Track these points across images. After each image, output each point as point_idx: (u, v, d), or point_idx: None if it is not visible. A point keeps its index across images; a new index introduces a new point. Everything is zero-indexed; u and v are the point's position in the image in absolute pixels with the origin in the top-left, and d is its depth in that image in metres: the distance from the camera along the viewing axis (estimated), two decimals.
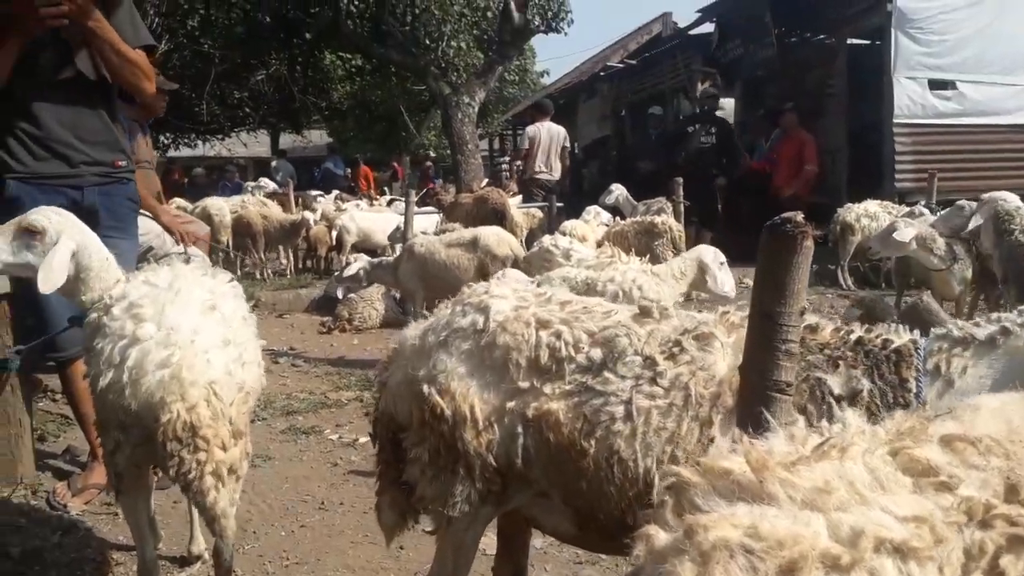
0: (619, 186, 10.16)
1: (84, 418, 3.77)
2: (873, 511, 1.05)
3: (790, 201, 11.64)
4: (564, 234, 7.22)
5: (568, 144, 12.07)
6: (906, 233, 5.31)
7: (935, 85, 11.14)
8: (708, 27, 15.20)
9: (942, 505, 1.09)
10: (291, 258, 11.52)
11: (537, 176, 11.98)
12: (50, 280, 2.49)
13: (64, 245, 2.54)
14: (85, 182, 3.57)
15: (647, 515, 1.09)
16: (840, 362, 2.00)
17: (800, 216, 1.56)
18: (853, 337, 2.09)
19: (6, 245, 2.53)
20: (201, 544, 3.28)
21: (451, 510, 2.15)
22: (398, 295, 8.54)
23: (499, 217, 10.28)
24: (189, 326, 2.38)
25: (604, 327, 2.14)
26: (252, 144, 25.72)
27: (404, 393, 2.22)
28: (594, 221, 8.88)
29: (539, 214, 12.03)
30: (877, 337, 2.04)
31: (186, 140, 23.00)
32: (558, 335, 2.12)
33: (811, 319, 2.23)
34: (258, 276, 10.95)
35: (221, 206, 10.58)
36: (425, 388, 2.15)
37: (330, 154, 20.92)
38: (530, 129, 11.78)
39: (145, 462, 2.39)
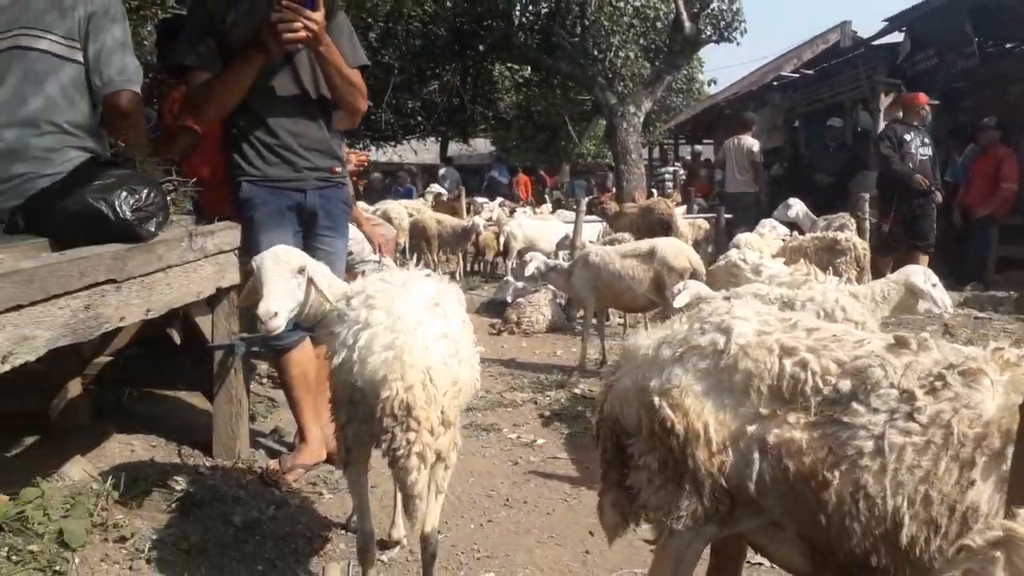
0: (798, 200, 9.77)
1: (295, 402, 4.08)
2: None
3: (985, 221, 10.80)
4: (738, 247, 7.04)
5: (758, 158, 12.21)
6: None
7: None
8: (892, 37, 14.34)
9: None
10: (460, 262, 11.89)
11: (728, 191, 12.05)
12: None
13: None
14: (307, 185, 3.90)
15: (970, 571, 1.05)
16: None
17: None
18: None
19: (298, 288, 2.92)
20: (402, 530, 3.45)
21: (675, 523, 2.14)
22: (564, 301, 8.63)
23: (665, 227, 10.16)
24: (414, 316, 2.61)
25: (855, 356, 2.04)
26: (421, 151, 26.85)
27: (633, 400, 2.24)
28: (770, 235, 8.57)
29: (705, 225, 11.81)
30: None
31: (362, 146, 24.33)
32: (804, 364, 2.04)
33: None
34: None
35: (400, 210, 11.11)
36: (656, 400, 2.15)
37: (495, 162, 21.47)
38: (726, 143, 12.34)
39: (370, 439, 2.57)
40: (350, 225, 4.85)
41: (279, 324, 2.84)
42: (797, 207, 9.58)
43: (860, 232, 8.64)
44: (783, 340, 2.12)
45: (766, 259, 5.17)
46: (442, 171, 20.10)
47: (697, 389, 2.14)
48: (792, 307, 3.80)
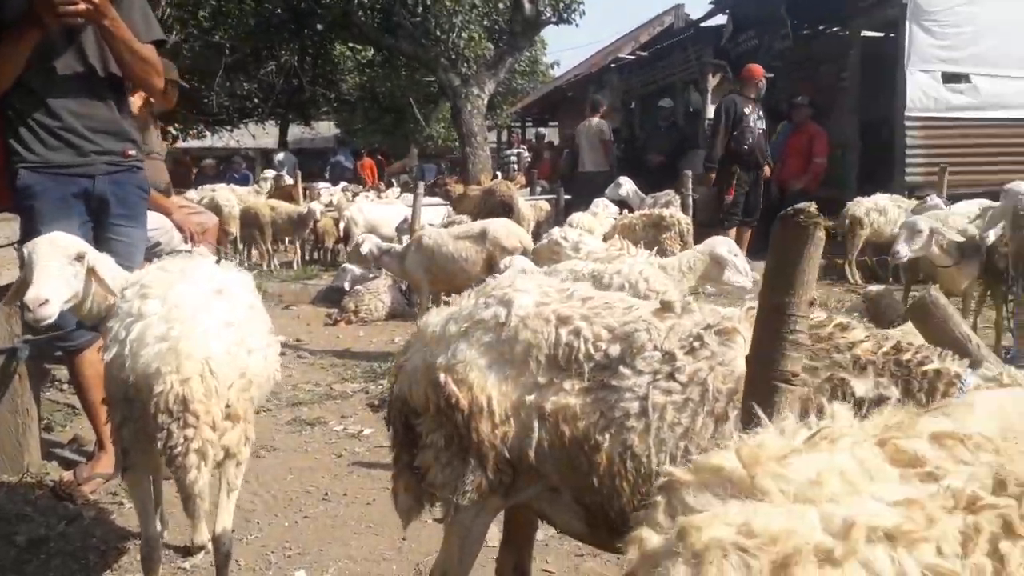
0: (627, 179, 10.11)
1: (91, 407, 3.76)
2: (864, 500, 1.03)
3: (798, 195, 11.58)
4: (572, 226, 7.18)
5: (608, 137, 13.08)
6: (921, 224, 5.31)
7: (948, 79, 11.01)
8: (721, 19, 15.08)
9: (929, 493, 1.06)
10: (298, 250, 11.50)
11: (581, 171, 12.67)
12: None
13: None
14: (96, 171, 3.59)
15: (639, 517, 1.07)
16: (869, 366, 1.95)
17: (813, 207, 1.52)
18: (888, 344, 2.04)
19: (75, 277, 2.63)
20: (204, 535, 3.25)
21: (460, 498, 2.12)
22: (404, 286, 8.51)
23: (507, 209, 10.25)
24: (191, 304, 2.44)
25: (625, 322, 2.11)
26: (260, 135, 25.73)
27: (420, 379, 2.19)
28: (602, 214, 8.82)
29: (546, 206, 12.00)
30: (917, 353, 1.99)
31: (195, 131, 23.03)
32: (577, 332, 2.10)
33: (845, 320, 2.18)
34: (265, 268, 10.94)
35: (230, 197, 10.58)
36: (442, 376, 2.13)
37: (339, 146, 20.89)
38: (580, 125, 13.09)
39: (148, 439, 2.38)
40: (156, 214, 4.54)
41: (50, 313, 2.56)
42: (627, 186, 9.91)
43: (684, 208, 9.05)
44: (559, 310, 2.14)
45: (585, 237, 5.28)
46: (279, 156, 19.34)
47: (481, 363, 2.13)
48: (601, 281, 3.89)
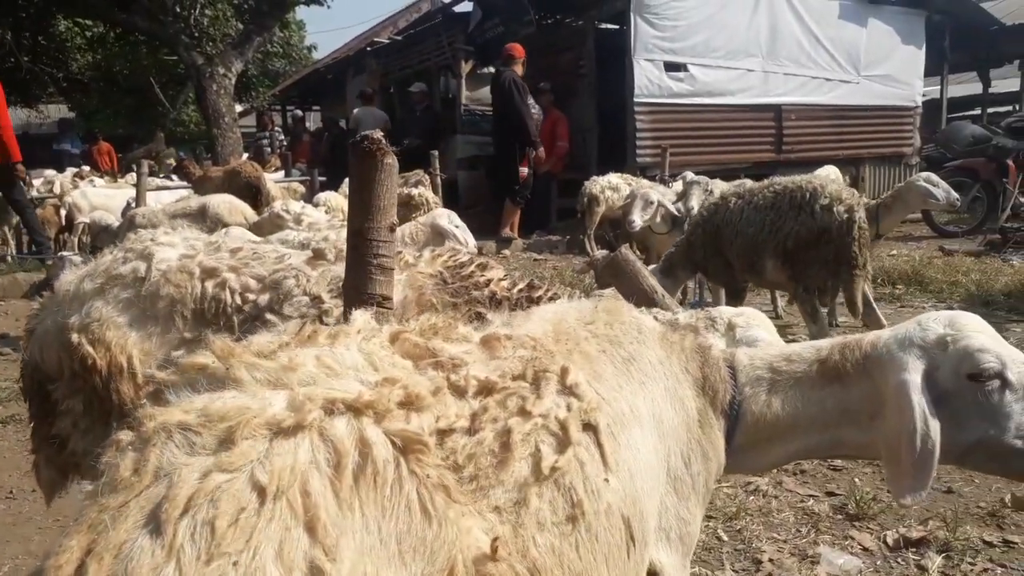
0: None
1: None
2: (344, 381, 1.10)
3: (545, 176, 12.21)
4: (318, 205, 7.06)
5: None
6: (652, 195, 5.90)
7: (670, 67, 12.11)
8: (467, 6, 15.45)
9: (431, 376, 1.18)
10: (10, 240, 10.29)
11: None
12: None
13: None
14: None
15: (125, 422, 1.08)
16: (504, 302, 2.11)
17: (379, 134, 1.62)
18: (523, 283, 2.23)
19: None
20: None
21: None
22: None
23: (253, 191, 9.84)
24: None
25: (274, 271, 2.12)
26: None
27: (52, 342, 2.06)
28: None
29: (301, 188, 11.69)
30: (548, 291, 2.19)
31: None
32: (224, 284, 2.07)
33: (485, 260, 2.36)
34: None
35: None
36: (75, 337, 2.01)
37: (62, 132, 18.75)
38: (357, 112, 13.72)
39: None
40: None
41: None
42: None
43: (433, 188, 9.23)
44: (205, 262, 2.10)
45: (308, 209, 5.22)
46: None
47: (120, 321, 2.04)
48: (309, 247, 3.86)
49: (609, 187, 9.91)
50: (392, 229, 1.69)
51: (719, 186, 7.10)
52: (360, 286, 1.64)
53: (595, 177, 10.03)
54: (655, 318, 1.79)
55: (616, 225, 9.96)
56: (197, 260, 2.09)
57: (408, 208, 8.28)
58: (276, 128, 18.36)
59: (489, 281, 2.18)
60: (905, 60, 14.22)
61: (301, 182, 11.79)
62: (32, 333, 2.13)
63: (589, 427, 1.28)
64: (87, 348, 1.99)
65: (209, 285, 2.06)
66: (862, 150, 14.00)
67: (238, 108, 17.28)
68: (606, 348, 1.52)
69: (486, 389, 1.22)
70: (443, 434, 1.13)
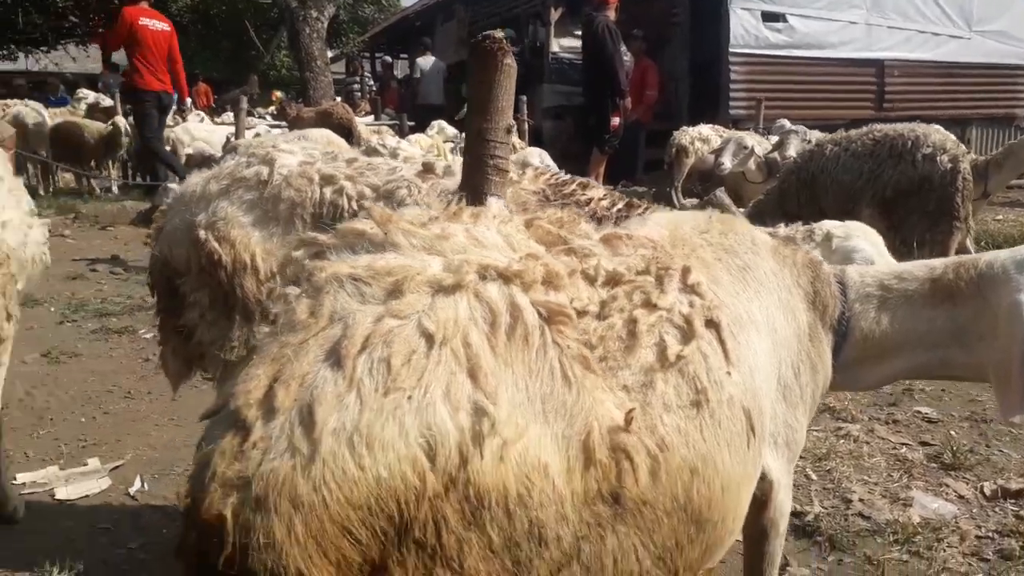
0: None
1: None
2: (489, 252, 1.17)
3: (632, 126, 12.02)
4: (409, 143, 7.21)
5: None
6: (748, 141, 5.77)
7: (768, 17, 11.69)
8: None
9: (566, 260, 1.23)
10: (116, 171, 10.79)
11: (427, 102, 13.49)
12: None
13: None
14: None
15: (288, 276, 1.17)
16: (604, 219, 2.14)
17: (500, 33, 1.64)
18: (622, 203, 2.25)
19: None
20: None
21: (228, 354, 2.16)
22: None
23: (345, 132, 10.05)
24: None
25: (387, 181, 2.20)
26: (83, 60, 23.59)
27: (180, 238, 2.19)
28: (439, 136, 8.86)
29: (390, 132, 11.85)
30: (646, 211, 2.21)
31: (4, 52, 20.85)
32: (341, 191, 2.16)
33: (586, 180, 2.39)
34: (83, 189, 10.24)
35: (34, 113, 9.74)
36: (202, 234, 2.14)
37: None
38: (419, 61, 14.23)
39: None
40: None
41: None
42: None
43: (520, 134, 9.24)
44: (323, 169, 2.19)
45: (404, 144, 5.36)
46: (106, 79, 17.85)
47: (244, 220, 2.15)
48: None
49: (699, 138, 9.71)
50: (509, 131, 1.73)
51: (818, 136, 6.88)
52: (477, 187, 1.69)
53: (685, 127, 9.84)
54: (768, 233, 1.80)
55: (705, 178, 9.77)
56: (316, 167, 2.19)
57: None
58: (366, 74, 18.56)
59: (590, 200, 2.21)
60: (1022, 15, 13.34)
61: (390, 126, 11.94)
62: (161, 231, 2.27)
63: (711, 323, 1.31)
64: (213, 244, 2.12)
65: (327, 191, 2.15)
66: (969, 110, 13.28)
67: (329, 54, 17.50)
68: (721, 256, 1.54)
69: (613, 280, 1.27)
70: (577, 314, 1.19)
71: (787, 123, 9.16)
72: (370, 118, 13.63)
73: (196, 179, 2.27)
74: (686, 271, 1.36)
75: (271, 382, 0.97)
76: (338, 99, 13.99)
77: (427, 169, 2.24)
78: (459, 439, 0.96)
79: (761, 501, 1.57)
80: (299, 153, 2.24)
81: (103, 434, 3.36)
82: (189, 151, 9.00)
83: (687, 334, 1.26)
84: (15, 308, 2.54)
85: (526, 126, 9.34)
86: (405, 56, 23.61)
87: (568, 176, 2.39)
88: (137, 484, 2.96)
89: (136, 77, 8.38)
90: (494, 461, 0.97)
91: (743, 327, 1.42)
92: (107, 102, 12.68)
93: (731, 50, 11.43)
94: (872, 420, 3.60)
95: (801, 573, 2.45)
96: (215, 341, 2.17)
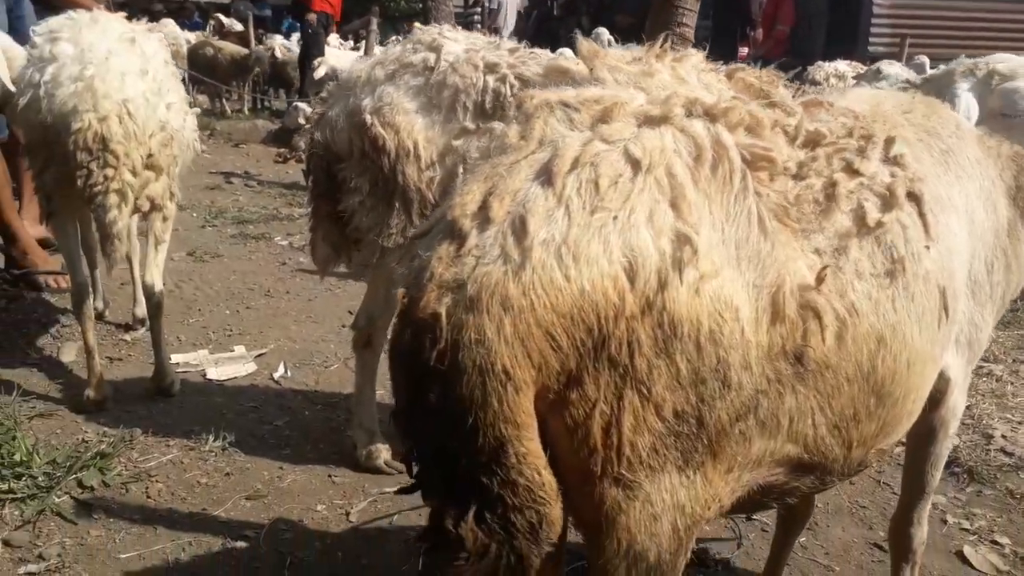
0: (604, 30, 9.95)
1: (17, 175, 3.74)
2: (693, 90, 1.13)
3: (759, 62, 11.47)
4: None
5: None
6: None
7: None
8: None
9: (768, 112, 1.17)
10: (247, 94, 11.15)
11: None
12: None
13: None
14: None
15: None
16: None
17: None
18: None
19: None
20: (144, 308, 3.32)
21: (386, 240, 2.18)
22: None
23: None
24: (105, 47, 2.41)
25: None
26: None
27: (344, 123, 2.21)
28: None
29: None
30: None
31: None
32: (503, 79, 2.12)
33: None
34: (216, 109, 10.65)
35: (175, 32, 10.15)
36: (368, 118, 2.15)
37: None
38: None
39: (71, 183, 2.38)
40: None
41: None
42: (603, 36, 9.77)
43: None
44: (488, 57, 2.15)
45: None
46: (238, 5, 18.36)
47: (409, 107, 2.15)
48: None
49: (835, 74, 9.15)
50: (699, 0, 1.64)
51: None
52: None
53: (820, 63, 9.29)
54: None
55: None
56: (480, 54, 2.15)
57: None
58: (486, 3, 18.37)
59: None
60: None
61: None
62: (323, 116, 2.29)
63: (913, 196, 1.24)
64: (379, 129, 2.13)
65: (491, 79, 2.12)
66: None
67: None
68: (923, 137, 1.44)
69: (814, 141, 1.20)
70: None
71: (927, 61, 8.49)
72: None
73: (361, 65, 2.28)
74: (889, 141, 1.28)
75: (485, 196, 1.00)
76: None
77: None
78: (659, 264, 0.97)
79: (935, 399, 1.50)
80: (463, 41, 2.22)
81: (246, 325, 3.52)
82: (325, 68, 9.19)
83: (887, 203, 1.20)
84: (177, 187, 2.67)
85: None
86: None
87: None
88: (280, 370, 3.09)
89: None
90: (690, 292, 0.98)
91: (943, 208, 1.33)
92: (238, 27, 13.07)
93: None
94: (1017, 362, 3.42)
95: (937, 500, 2.36)
96: (373, 227, 2.19)
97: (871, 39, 10.83)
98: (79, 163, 2.27)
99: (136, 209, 2.43)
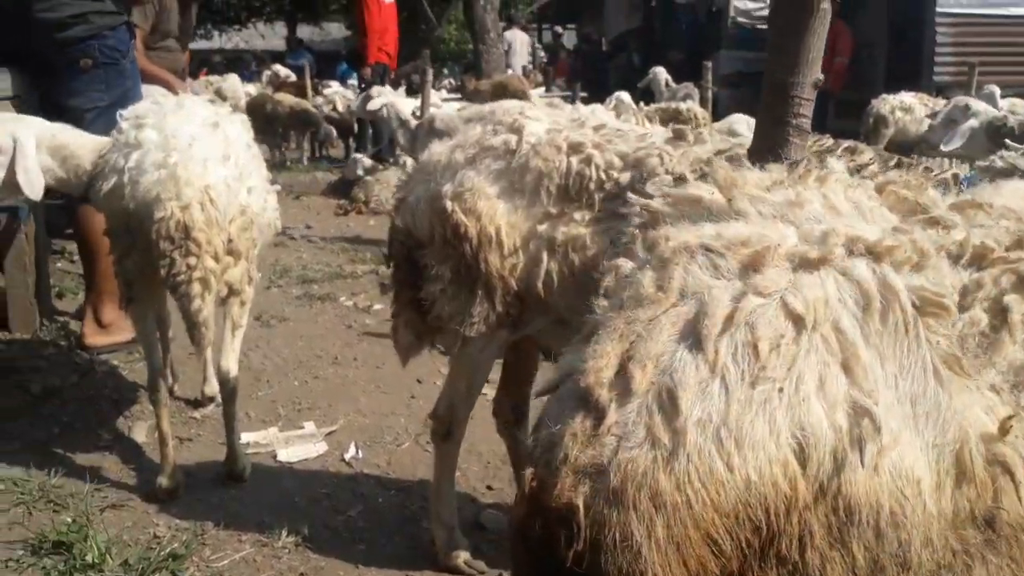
0: (662, 69, 9.94)
1: (92, 256, 3.74)
2: (847, 220, 1.00)
3: (819, 95, 11.22)
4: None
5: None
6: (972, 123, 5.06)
7: None
8: None
9: (929, 234, 1.02)
10: (307, 146, 11.33)
11: None
12: (34, 184, 2.44)
13: (25, 145, 2.45)
14: None
15: (617, 251, 1.07)
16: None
17: None
18: (892, 162, 1.99)
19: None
20: (215, 385, 3.27)
21: (468, 330, 2.09)
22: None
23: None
24: (188, 133, 2.39)
25: (637, 149, 2.04)
26: (269, 36, 25.07)
27: (425, 209, 2.13)
28: (619, 106, 8.62)
29: (562, 103, 11.74)
30: (917, 166, 1.94)
31: (202, 30, 22.46)
32: (589, 160, 2.03)
33: (853, 143, 2.13)
34: (275, 159, 10.83)
35: (236, 87, 10.38)
36: (449, 205, 2.06)
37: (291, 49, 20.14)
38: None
39: (152, 271, 2.35)
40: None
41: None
42: (660, 76, 9.74)
43: (703, 103, 8.82)
44: (571, 137, 2.06)
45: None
46: (294, 54, 18.87)
47: (490, 192, 2.06)
48: None
49: (901, 107, 8.87)
50: (816, 87, 1.51)
51: None
52: (774, 149, 1.49)
53: (885, 95, 9.03)
54: None
55: (903, 151, 8.98)
56: (564, 135, 2.06)
57: (677, 122, 8.04)
58: (538, 45, 18.55)
59: (861, 167, 1.97)
60: None
61: (563, 97, 11.81)
62: (403, 201, 2.22)
63: None
64: (460, 216, 2.04)
65: (575, 160, 2.02)
66: None
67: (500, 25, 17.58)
68: None
69: (981, 256, 1.06)
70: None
71: (996, 91, 8.16)
72: (541, 90, 13.57)
73: (440, 148, 2.20)
74: None
75: (623, 360, 0.88)
76: (509, 71, 14.04)
77: (678, 136, 2.06)
78: (834, 443, 0.84)
79: None
80: (546, 120, 2.12)
81: (315, 398, 3.45)
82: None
83: None
84: (255, 270, 2.62)
85: (710, 93, 8.90)
86: (572, 27, 23.40)
87: (831, 140, 2.14)
88: (352, 451, 3.00)
89: (365, 47, 9.19)
90: (868, 471, 0.84)
91: None
92: (293, 77, 13.37)
93: (939, 9, 10.37)
94: None
95: None
96: (454, 316, 2.10)
97: (936, 68, 10.51)
98: (162, 252, 2.24)
99: (216, 295, 2.39)
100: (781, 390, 0.84)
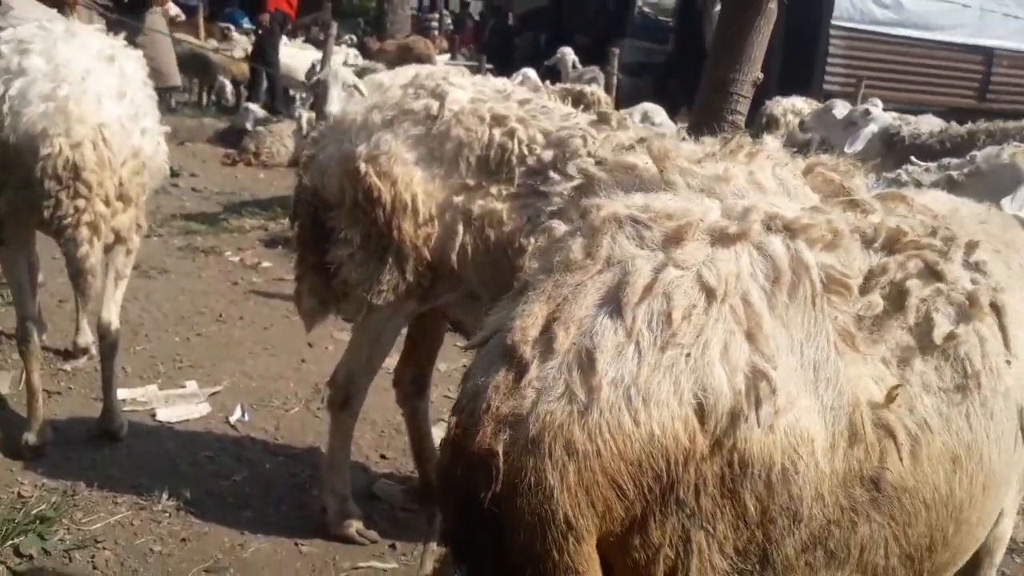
0: (569, 50, 9.97)
1: None
2: (770, 198, 1.06)
3: None
4: None
5: None
6: (841, 111, 5.41)
7: None
8: None
9: (847, 216, 1.09)
10: (197, 90, 10.71)
11: None
12: None
13: None
14: None
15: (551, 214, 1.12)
16: None
17: None
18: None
19: None
20: (88, 336, 3.07)
21: (375, 298, 2.03)
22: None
23: None
24: (82, 65, 2.19)
25: (561, 127, 2.04)
26: None
27: (336, 169, 2.04)
28: (526, 83, 8.61)
29: (467, 72, 11.60)
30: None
31: None
32: (512, 134, 2.00)
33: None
34: (163, 100, 10.19)
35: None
36: (363, 167, 1.99)
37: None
38: None
39: (30, 210, 2.15)
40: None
41: None
42: (568, 57, 9.77)
43: (607, 88, 8.92)
44: (495, 109, 2.02)
45: None
46: None
47: (407, 157, 2.00)
48: None
49: (792, 111, 9.29)
50: (755, 85, 1.54)
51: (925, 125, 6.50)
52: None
53: (777, 98, 9.42)
54: None
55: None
56: (488, 106, 2.02)
57: (577, 105, 8.12)
58: (444, 11, 18.22)
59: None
60: None
61: (469, 67, 11.67)
62: (313, 159, 2.12)
63: (994, 307, 1.18)
64: (374, 179, 1.97)
65: (497, 132, 1.99)
66: None
67: None
68: (1000, 249, 1.37)
69: (894, 239, 1.13)
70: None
71: (879, 104, 8.68)
72: (446, 56, 13.37)
73: (355, 107, 2.12)
74: (972, 245, 1.21)
75: (548, 321, 0.94)
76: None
77: (602, 120, 2.07)
78: (732, 403, 0.92)
79: None
80: (470, 89, 2.07)
81: (198, 357, 3.29)
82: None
83: (965, 313, 1.14)
84: (143, 218, 2.46)
85: (614, 79, 9.01)
86: None
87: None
88: (237, 414, 2.88)
89: None
90: (763, 429, 0.93)
91: (1020, 324, 1.25)
92: (183, 17, 12.57)
93: (834, 22, 10.87)
94: None
95: None
96: (362, 282, 2.03)
97: (826, 77, 11.05)
98: (47, 192, 2.05)
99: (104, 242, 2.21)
100: (688, 355, 0.91)
